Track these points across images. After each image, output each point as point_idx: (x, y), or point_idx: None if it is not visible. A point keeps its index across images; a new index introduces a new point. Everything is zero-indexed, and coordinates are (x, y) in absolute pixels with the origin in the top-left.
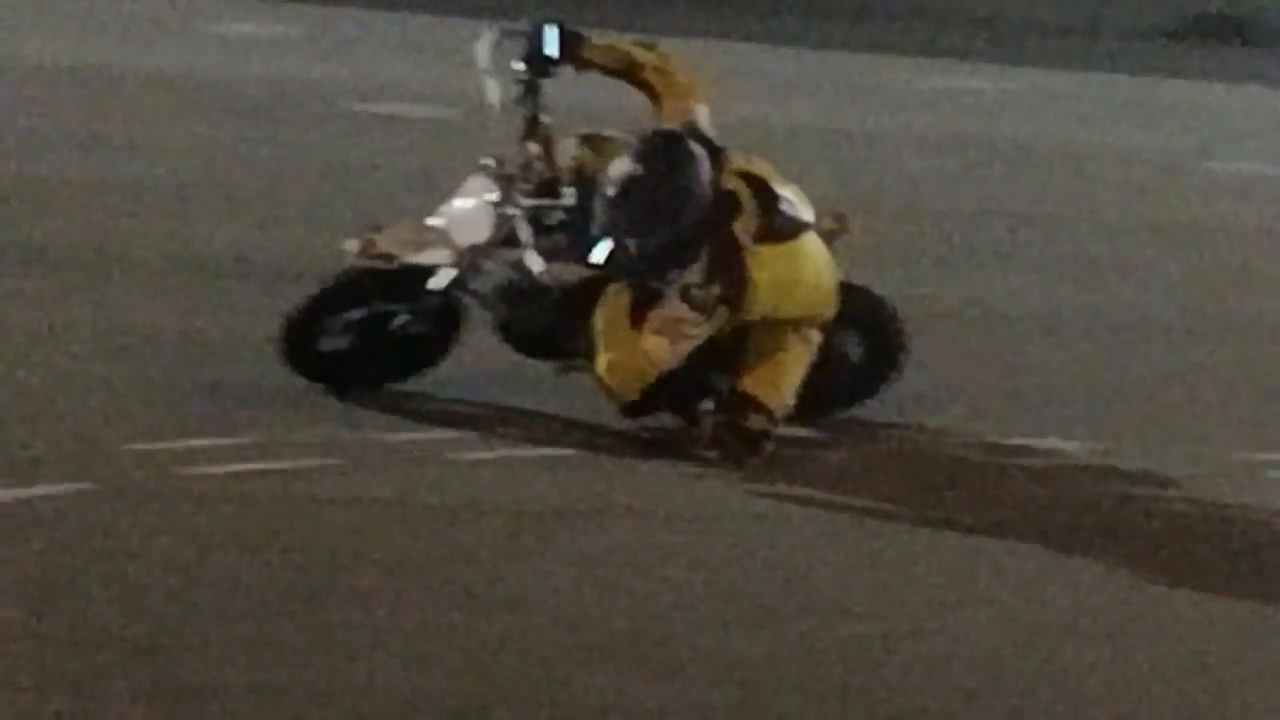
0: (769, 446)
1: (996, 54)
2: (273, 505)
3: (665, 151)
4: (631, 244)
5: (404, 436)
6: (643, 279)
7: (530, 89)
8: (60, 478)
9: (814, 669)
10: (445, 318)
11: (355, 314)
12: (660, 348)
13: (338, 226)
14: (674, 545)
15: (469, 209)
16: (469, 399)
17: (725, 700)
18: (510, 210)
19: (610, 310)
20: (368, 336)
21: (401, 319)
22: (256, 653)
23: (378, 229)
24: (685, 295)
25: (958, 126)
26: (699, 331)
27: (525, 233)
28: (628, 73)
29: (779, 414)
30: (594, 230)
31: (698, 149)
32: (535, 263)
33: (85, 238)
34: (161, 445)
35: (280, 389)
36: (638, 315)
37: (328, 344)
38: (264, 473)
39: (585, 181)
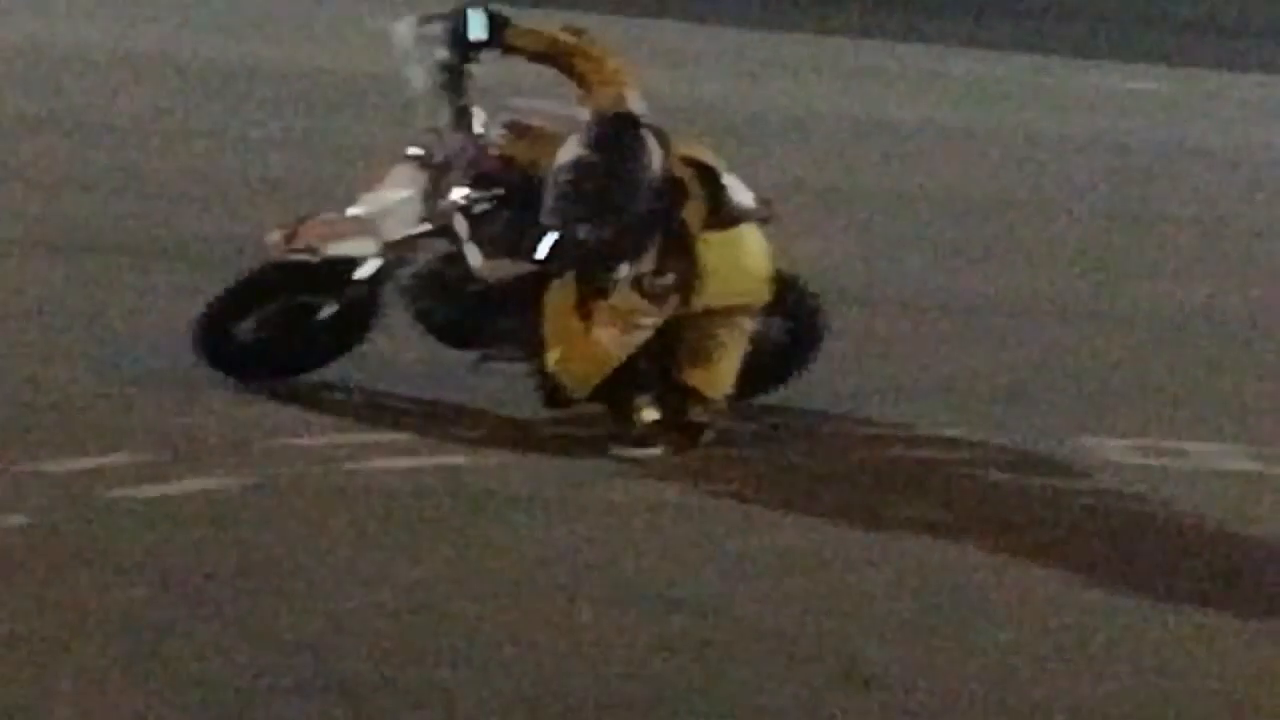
0: (709, 436)
1: (1156, 54)
2: (436, 498)
3: (617, 137)
4: (583, 234)
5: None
6: (593, 270)
7: (456, 76)
8: (221, 471)
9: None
10: (364, 307)
11: (274, 306)
12: (612, 339)
13: None
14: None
15: (397, 200)
16: None
17: None
18: (441, 202)
19: (558, 303)
20: (285, 328)
21: (323, 311)
22: (419, 647)
23: (301, 220)
24: (638, 285)
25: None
26: (651, 322)
27: (462, 226)
28: (555, 57)
29: (719, 404)
30: (543, 219)
31: (648, 134)
32: (474, 257)
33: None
34: (321, 440)
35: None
36: (585, 308)
37: (244, 335)
38: (433, 469)
39: (518, 172)
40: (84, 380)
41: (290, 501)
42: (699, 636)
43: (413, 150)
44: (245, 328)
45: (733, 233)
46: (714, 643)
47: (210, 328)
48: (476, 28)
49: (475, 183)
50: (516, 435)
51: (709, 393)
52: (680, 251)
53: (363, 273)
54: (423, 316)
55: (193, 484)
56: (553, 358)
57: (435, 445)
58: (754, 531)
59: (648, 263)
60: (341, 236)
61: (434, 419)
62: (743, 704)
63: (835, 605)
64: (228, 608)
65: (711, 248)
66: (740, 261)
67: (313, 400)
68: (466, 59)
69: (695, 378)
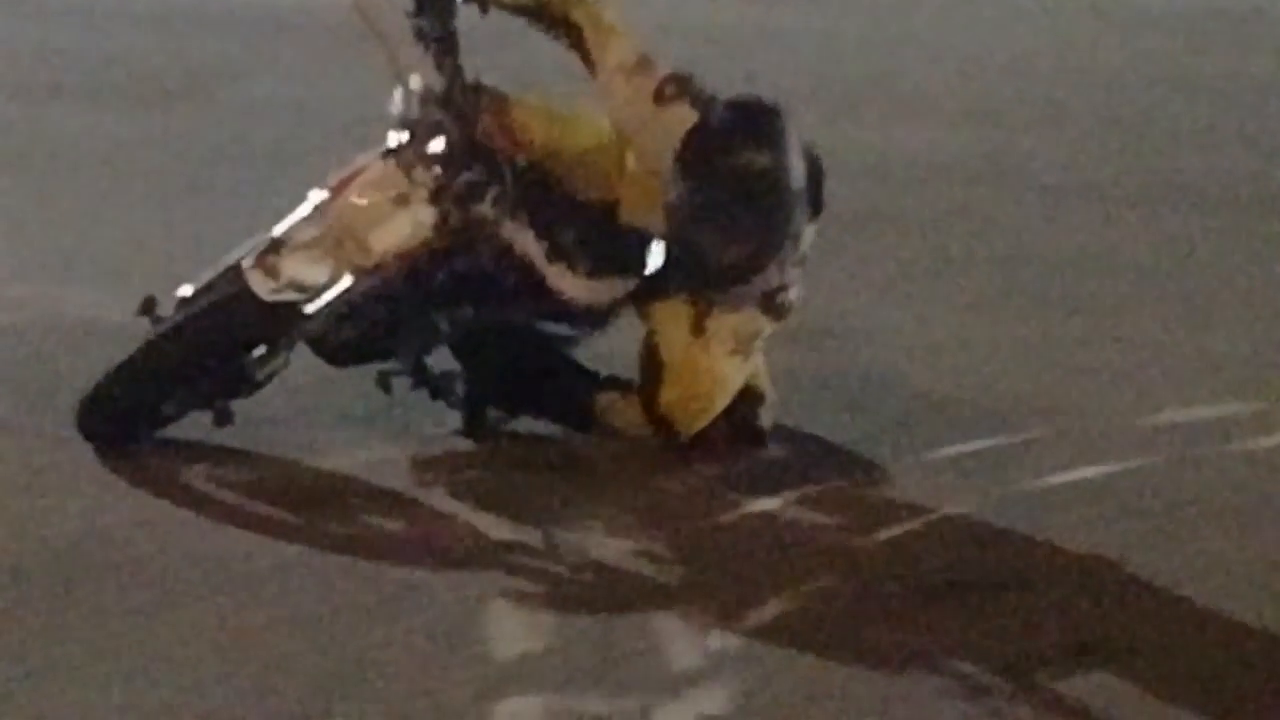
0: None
1: None
2: None
3: (756, 127)
4: (720, 247)
5: None
6: (724, 288)
7: (443, 43)
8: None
9: None
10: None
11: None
12: (736, 369)
13: None
14: None
15: (380, 204)
16: None
17: None
18: (476, 207)
19: (670, 330)
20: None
21: (267, 362)
22: None
23: (277, 248)
24: (766, 301)
25: None
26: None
27: (524, 236)
28: (543, 9)
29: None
30: (677, 230)
31: (791, 125)
32: (559, 276)
33: None
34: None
35: None
36: (698, 330)
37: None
38: None
39: (544, 161)
40: None
41: None
42: None
43: (396, 139)
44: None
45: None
46: None
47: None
48: None
49: (493, 176)
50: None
51: (761, 387)
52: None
53: (317, 305)
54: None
55: None
56: (668, 397)
57: None
58: None
59: (777, 275)
60: (329, 263)
61: None
62: None
63: None
64: None
65: None
66: None
67: None
68: (446, 17)
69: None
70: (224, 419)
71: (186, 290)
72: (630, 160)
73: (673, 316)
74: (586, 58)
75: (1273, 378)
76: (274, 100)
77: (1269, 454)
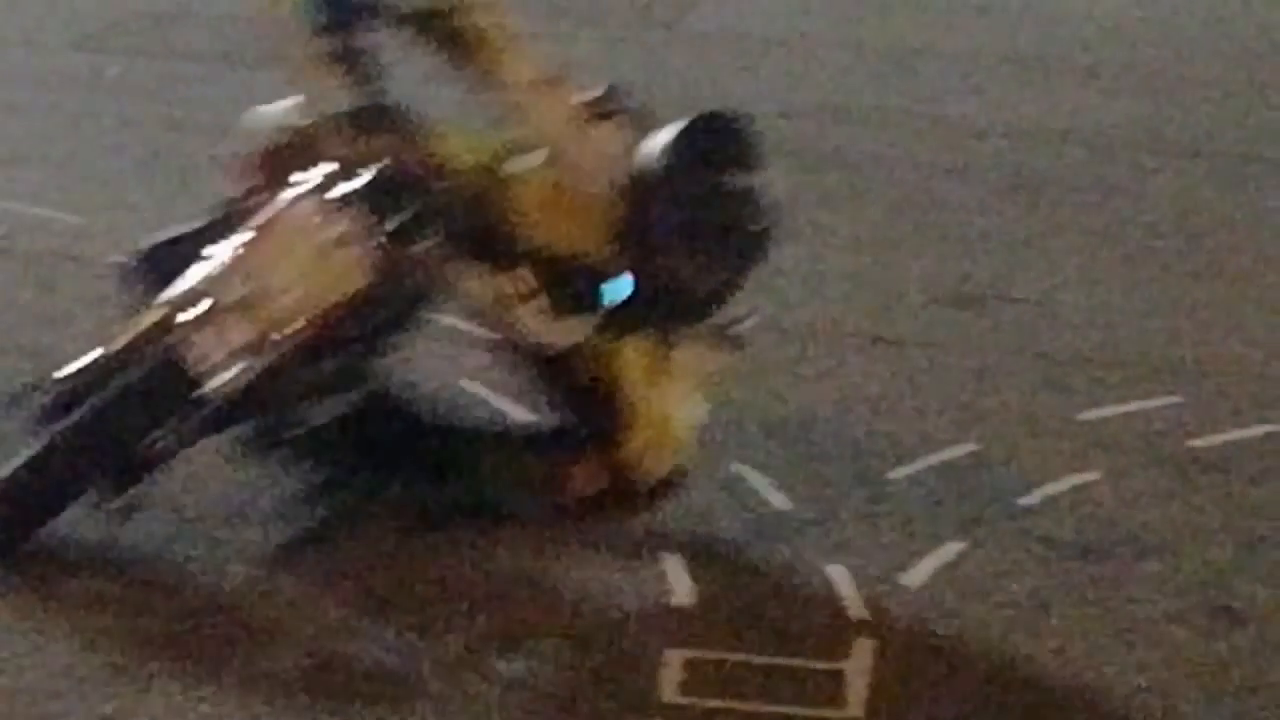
0: None
1: None
2: None
3: (737, 145)
4: (707, 278)
5: None
6: (692, 321)
7: (357, 64)
8: None
9: None
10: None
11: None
12: (696, 405)
13: None
14: None
15: (308, 252)
16: None
17: None
18: (380, 246)
19: (633, 370)
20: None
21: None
22: None
23: (208, 315)
24: (728, 335)
25: None
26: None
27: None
28: (442, 18)
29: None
30: (629, 260)
31: (752, 141)
32: (530, 317)
33: None
34: None
35: None
36: (659, 368)
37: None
38: None
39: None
40: None
41: None
42: None
43: (323, 170)
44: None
45: None
46: None
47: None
48: None
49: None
50: None
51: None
52: None
53: (219, 383)
54: None
55: None
56: (637, 443)
57: None
58: None
59: (736, 303)
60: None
61: None
62: None
63: None
64: None
65: None
66: None
67: None
68: (349, 30)
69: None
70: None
71: (70, 369)
72: (560, 185)
73: (634, 356)
74: (489, 74)
75: None
76: None
77: None
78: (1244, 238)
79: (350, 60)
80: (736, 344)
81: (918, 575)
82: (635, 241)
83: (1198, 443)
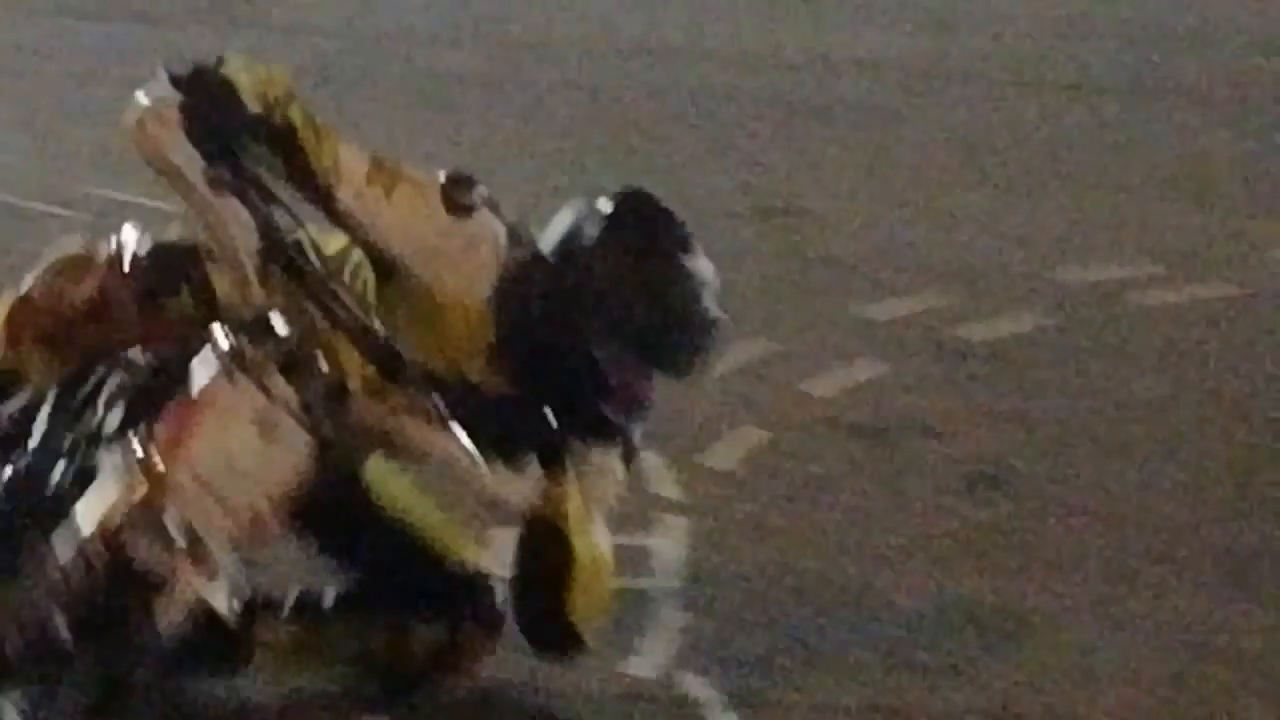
0: None
1: None
2: None
3: (654, 229)
4: (646, 385)
5: None
6: (620, 437)
7: (250, 193)
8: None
9: None
10: None
11: None
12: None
13: None
14: None
15: (239, 445)
16: None
17: None
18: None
19: (575, 510)
20: None
21: None
22: None
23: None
24: (631, 448)
25: None
26: None
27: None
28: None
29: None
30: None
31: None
32: (483, 469)
33: None
34: None
35: None
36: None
37: None
38: None
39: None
40: None
41: None
42: None
43: (223, 341)
44: None
45: None
46: None
47: None
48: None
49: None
50: None
51: None
52: None
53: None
54: None
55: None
56: (574, 606)
57: None
58: None
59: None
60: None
61: None
62: None
63: None
64: None
65: None
66: None
67: None
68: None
69: None
70: None
71: None
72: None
73: (573, 492)
74: (308, 177)
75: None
76: None
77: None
78: (1012, 154)
79: (243, 188)
80: (634, 455)
81: (725, 459)
82: (517, 355)
83: (974, 336)
